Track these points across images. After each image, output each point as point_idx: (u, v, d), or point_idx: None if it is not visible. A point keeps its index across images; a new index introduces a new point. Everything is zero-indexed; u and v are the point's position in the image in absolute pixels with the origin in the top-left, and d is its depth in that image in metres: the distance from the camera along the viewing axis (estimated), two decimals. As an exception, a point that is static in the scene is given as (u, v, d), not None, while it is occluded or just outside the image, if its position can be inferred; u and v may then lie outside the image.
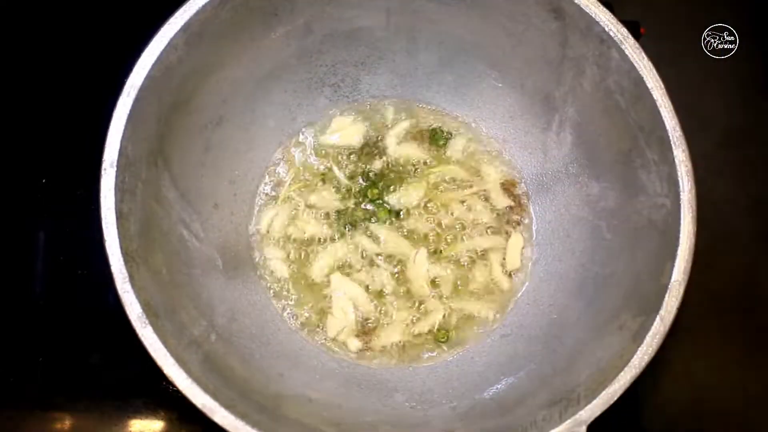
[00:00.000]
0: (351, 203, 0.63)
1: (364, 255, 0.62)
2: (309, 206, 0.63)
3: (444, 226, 0.63)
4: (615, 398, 0.46)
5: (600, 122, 0.55)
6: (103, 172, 0.47)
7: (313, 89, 0.63)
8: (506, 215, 0.64)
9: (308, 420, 0.50)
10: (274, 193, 0.63)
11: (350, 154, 0.64)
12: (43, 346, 0.63)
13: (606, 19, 0.50)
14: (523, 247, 0.63)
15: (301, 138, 0.64)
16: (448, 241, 0.62)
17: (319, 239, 0.62)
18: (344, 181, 0.63)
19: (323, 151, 0.64)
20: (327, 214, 0.63)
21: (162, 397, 0.60)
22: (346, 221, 0.62)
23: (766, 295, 0.67)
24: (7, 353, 0.63)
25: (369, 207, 0.63)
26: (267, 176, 0.64)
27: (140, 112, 0.48)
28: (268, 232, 0.62)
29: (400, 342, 0.60)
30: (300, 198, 0.63)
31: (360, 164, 0.64)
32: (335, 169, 0.64)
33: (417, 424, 0.54)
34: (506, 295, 0.62)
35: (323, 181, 0.64)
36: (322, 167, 0.64)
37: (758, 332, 0.67)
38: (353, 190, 0.63)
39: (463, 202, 0.63)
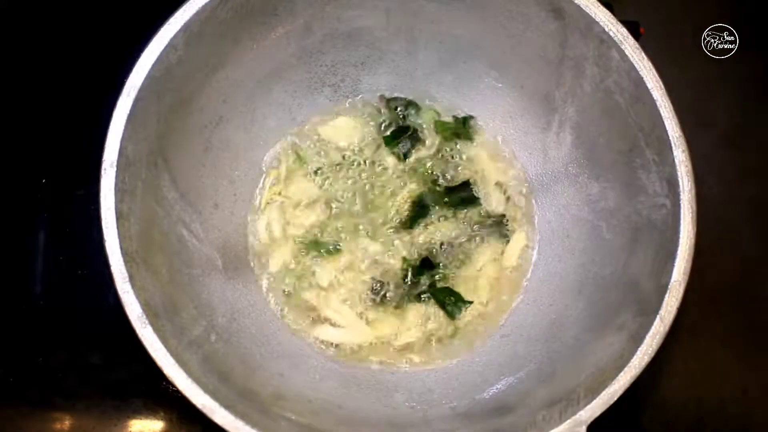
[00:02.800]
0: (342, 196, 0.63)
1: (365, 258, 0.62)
2: (297, 204, 0.63)
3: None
4: (615, 398, 0.46)
5: (600, 122, 0.55)
6: (103, 172, 0.47)
7: (313, 89, 0.63)
8: (507, 214, 0.64)
9: (308, 420, 0.50)
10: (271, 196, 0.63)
11: (347, 153, 0.64)
12: (43, 346, 0.63)
13: (606, 19, 0.50)
14: (524, 246, 0.63)
15: (298, 137, 0.64)
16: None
17: (319, 231, 0.62)
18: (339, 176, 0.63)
19: (320, 150, 0.64)
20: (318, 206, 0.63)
21: (162, 397, 0.60)
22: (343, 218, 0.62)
23: (766, 295, 0.67)
24: (7, 353, 0.63)
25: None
26: (266, 176, 0.63)
27: (140, 112, 0.48)
28: (270, 240, 0.62)
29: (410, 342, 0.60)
30: (287, 197, 0.63)
31: (357, 164, 0.64)
32: (330, 165, 0.64)
33: (417, 424, 0.54)
34: (506, 294, 0.62)
35: (315, 174, 0.63)
36: (317, 165, 0.64)
37: (758, 332, 0.67)
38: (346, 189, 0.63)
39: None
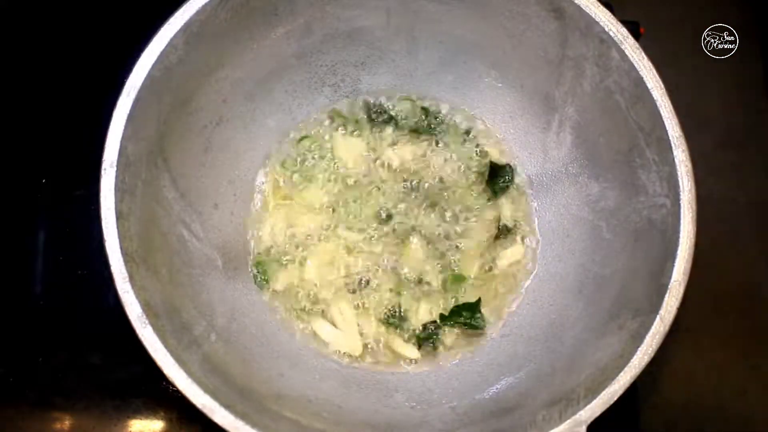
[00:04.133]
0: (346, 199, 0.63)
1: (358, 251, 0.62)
2: (301, 208, 0.63)
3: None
4: (615, 398, 0.46)
5: (600, 122, 0.55)
6: (103, 172, 0.47)
7: (313, 89, 0.63)
8: (507, 215, 0.64)
9: (308, 420, 0.50)
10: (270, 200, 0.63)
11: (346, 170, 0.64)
12: (43, 346, 0.63)
13: (606, 19, 0.50)
14: (524, 246, 0.62)
15: (295, 139, 0.64)
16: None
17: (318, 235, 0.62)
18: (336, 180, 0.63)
19: (324, 157, 0.64)
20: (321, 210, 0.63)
21: (162, 397, 0.60)
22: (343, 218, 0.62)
23: (766, 295, 0.67)
24: (7, 353, 0.63)
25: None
26: (266, 178, 0.63)
27: (140, 112, 0.48)
28: (271, 247, 0.62)
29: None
30: (291, 201, 0.63)
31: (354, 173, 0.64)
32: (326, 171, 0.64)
33: (417, 425, 0.54)
34: (506, 295, 0.62)
35: (309, 180, 0.63)
36: (321, 172, 0.64)
37: (758, 332, 0.67)
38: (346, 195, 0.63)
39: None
